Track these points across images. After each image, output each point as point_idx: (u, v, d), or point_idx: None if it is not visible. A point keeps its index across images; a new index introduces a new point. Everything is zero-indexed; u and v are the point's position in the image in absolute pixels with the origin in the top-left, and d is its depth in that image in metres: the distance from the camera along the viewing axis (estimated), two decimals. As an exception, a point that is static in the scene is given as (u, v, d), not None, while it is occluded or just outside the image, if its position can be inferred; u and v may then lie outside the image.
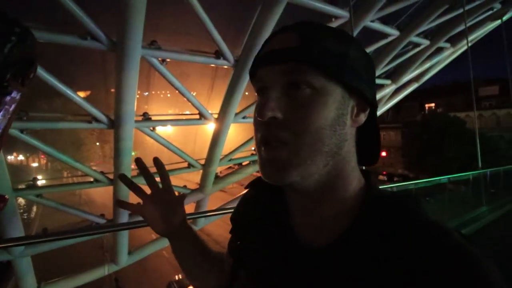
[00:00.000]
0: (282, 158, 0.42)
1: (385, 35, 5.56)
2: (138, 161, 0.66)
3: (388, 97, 7.77)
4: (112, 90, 3.78)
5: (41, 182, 4.19)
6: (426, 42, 6.53)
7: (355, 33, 4.67)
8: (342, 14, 4.40)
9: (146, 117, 4.17)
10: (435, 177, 6.24)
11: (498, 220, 6.08)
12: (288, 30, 0.45)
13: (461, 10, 6.14)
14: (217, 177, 5.34)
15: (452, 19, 6.32)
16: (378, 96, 0.51)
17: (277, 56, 0.43)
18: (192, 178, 5.67)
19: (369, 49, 5.49)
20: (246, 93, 4.58)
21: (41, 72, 3.12)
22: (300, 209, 0.48)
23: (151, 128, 4.25)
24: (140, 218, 0.69)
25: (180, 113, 5.52)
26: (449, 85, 35.26)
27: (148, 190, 0.69)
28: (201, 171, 5.10)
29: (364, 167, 0.51)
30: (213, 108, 4.77)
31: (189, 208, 5.42)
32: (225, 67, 4.16)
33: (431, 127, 20.78)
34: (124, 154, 3.98)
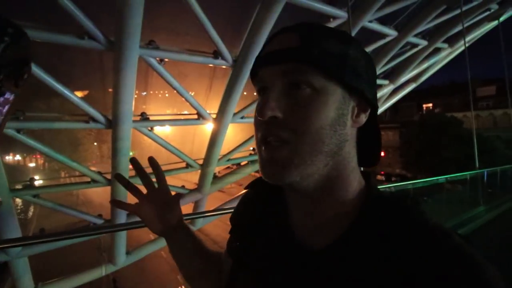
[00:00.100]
0: (282, 157, 0.42)
1: (383, 36, 5.58)
2: (133, 161, 0.65)
3: (386, 97, 7.79)
4: (110, 90, 3.77)
5: (38, 182, 4.16)
6: (424, 43, 6.56)
7: (353, 34, 4.68)
8: (340, 15, 4.41)
9: (144, 117, 4.16)
10: (432, 177, 6.27)
11: (495, 219, 6.11)
12: (288, 31, 0.45)
13: (458, 11, 6.17)
14: (215, 177, 5.33)
15: (450, 19, 6.34)
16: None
17: (278, 57, 0.43)
18: (190, 178, 5.66)
19: (367, 50, 5.39)
20: (245, 93, 4.58)
21: (38, 71, 3.11)
22: (300, 210, 0.48)
23: (149, 128, 4.24)
24: (138, 219, 0.69)
25: (178, 113, 5.51)
26: (447, 86, 35.42)
27: (144, 190, 0.69)
28: (199, 171, 5.09)
29: (364, 169, 0.51)
30: (211, 108, 4.76)
31: (187, 208, 5.41)
32: (224, 67, 4.15)
33: (429, 127, 20.87)
34: (122, 154, 3.97)
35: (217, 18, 3.64)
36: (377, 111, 0.49)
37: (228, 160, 5.33)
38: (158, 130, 4.58)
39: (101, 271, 4.67)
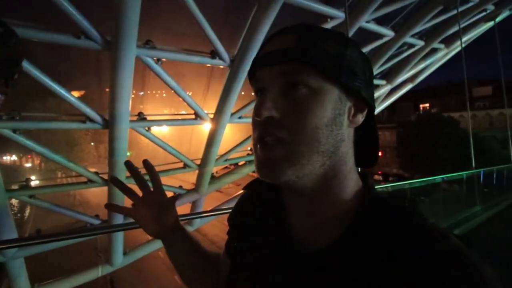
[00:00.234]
0: (278, 156, 0.42)
1: (380, 36, 5.60)
2: (128, 164, 0.65)
3: (383, 98, 7.82)
4: (107, 89, 3.75)
5: (34, 183, 4.14)
6: (420, 43, 6.59)
7: (350, 34, 4.69)
8: (337, 15, 4.42)
9: (141, 117, 4.14)
10: (429, 176, 6.30)
11: (491, 219, 6.16)
12: (285, 32, 0.45)
13: (455, 12, 6.21)
14: (213, 177, 5.33)
15: (446, 20, 6.38)
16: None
17: (275, 57, 0.43)
18: (188, 178, 5.65)
19: (364, 50, 5.50)
20: (242, 93, 4.57)
21: (34, 71, 3.08)
22: (298, 210, 0.48)
23: (146, 128, 4.22)
24: None
25: (176, 113, 5.49)
26: (444, 86, 35.60)
27: (140, 192, 0.69)
28: (197, 171, 5.08)
29: (361, 169, 0.51)
30: (209, 108, 4.75)
31: (185, 208, 5.40)
32: (221, 67, 4.15)
33: (426, 127, 20.99)
34: (119, 155, 3.95)
35: (215, 17, 3.64)
36: (374, 111, 0.49)
37: (226, 160, 5.32)
38: (156, 130, 4.56)
39: (98, 272, 4.64)
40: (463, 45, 7.40)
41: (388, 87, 7.40)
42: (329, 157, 0.43)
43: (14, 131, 3.44)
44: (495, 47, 9.91)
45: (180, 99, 4.19)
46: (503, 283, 0.35)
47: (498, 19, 8.63)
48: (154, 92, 5.23)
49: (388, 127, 28.63)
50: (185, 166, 4.94)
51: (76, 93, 3.96)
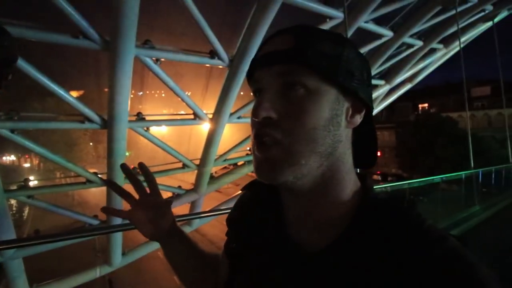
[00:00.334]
0: (275, 157, 0.42)
1: (379, 36, 5.61)
2: (124, 167, 0.65)
3: (382, 98, 7.83)
4: (106, 89, 3.74)
5: (33, 183, 4.12)
6: (419, 43, 6.61)
7: (349, 34, 4.70)
8: (336, 15, 4.42)
9: (140, 117, 4.13)
10: (428, 176, 6.31)
11: (490, 218, 6.17)
12: (283, 33, 0.45)
13: (453, 12, 6.22)
14: (212, 178, 5.32)
15: (445, 20, 6.40)
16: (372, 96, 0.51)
17: (272, 58, 0.44)
18: (187, 178, 5.64)
19: (363, 50, 5.53)
20: (241, 93, 4.57)
21: (32, 71, 3.08)
22: (296, 211, 0.48)
23: (145, 128, 4.21)
24: None
25: (175, 113, 5.49)
26: (442, 86, 35.64)
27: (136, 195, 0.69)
28: (196, 171, 5.08)
29: (360, 170, 0.51)
30: (208, 108, 4.75)
31: (184, 208, 5.39)
32: (220, 67, 4.15)
33: (424, 127, 21.02)
34: (118, 155, 3.94)
35: (214, 17, 3.64)
36: (373, 112, 0.49)
37: (225, 160, 5.32)
38: (154, 130, 4.55)
39: (96, 272, 4.63)
40: (462, 45, 7.42)
41: (387, 87, 7.42)
42: (326, 158, 0.43)
43: (12, 131, 3.43)
44: (494, 47, 9.95)
45: (179, 99, 4.19)
46: (502, 283, 0.35)
47: (496, 19, 8.66)
48: (153, 92, 5.23)
49: (387, 127, 28.65)
50: (184, 166, 4.94)
51: (75, 93, 3.95)
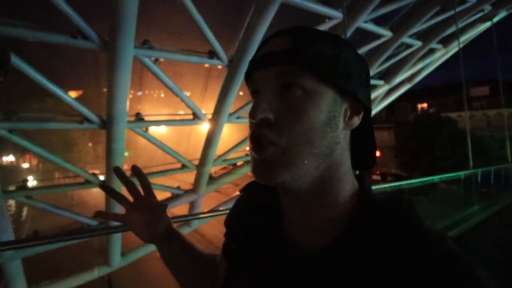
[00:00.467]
0: (272, 158, 0.42)
1: (378, 36, 5.61)
2: (117, 170, 0.65)
3: (381, 98, 7.84)
4: (104, 90, 3.73)
5: (31, 183, 4.12)
6: (418, 43, 6.62)
7: (348, 34, 4.70)
8: (335, 15, 4.43)
9: (139, 118, 4.13)
10: (427, 176, 6.31)
11: (489, 218, 6.18)
12: (281, 34, 0.45)
13: (452, 12, 6.23)
14: (211, 178, 5.32)
15: (444, 20, 6.41)
16: (371, 97, 0.51)
17: (270, 59, 0.44)
18: (186, 179, 5.64)
19: (362, 50, 5.54)
20: (240, 93, 4.57)
21: (30, 71, 3.07)
22: (294, 212, 0.48)
23: (144, 129, 4.21)
24: None
25: (174, 113, 5.48)
26: (441, 86, 35.70)
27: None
28: (195, 171, 5.08)
29: (359, 172, 0.51)
30: (207, 108, 4.75)
31: (183, 208, 5.39)
32: (219, 67, 4.15)
33: (424, 127, 21.04)
34: (117, 155, 3.94)
35: (213, 17, 3.64)
36: (371, 113, 0.49)
37: (224, 160, 5.32)
38: (154, 130, 4.55)
39: (95, 273, 4.62)
40: (461, 46, 7.43)
41: (386, 87, 7.42)
42: (324, 160, 0.43)
43: (11, 131, 3.42)
44: (493, 48, 9.97)
45: (178, 99, 4.18)
46: (499, 284, 0.35)
47: (495, 20, 8.68)
48: (152, 92, 5.22)
49: (387, 127, 28.69)
50: (183, 166, 4.93)
51: (73, 94, 3.94)
